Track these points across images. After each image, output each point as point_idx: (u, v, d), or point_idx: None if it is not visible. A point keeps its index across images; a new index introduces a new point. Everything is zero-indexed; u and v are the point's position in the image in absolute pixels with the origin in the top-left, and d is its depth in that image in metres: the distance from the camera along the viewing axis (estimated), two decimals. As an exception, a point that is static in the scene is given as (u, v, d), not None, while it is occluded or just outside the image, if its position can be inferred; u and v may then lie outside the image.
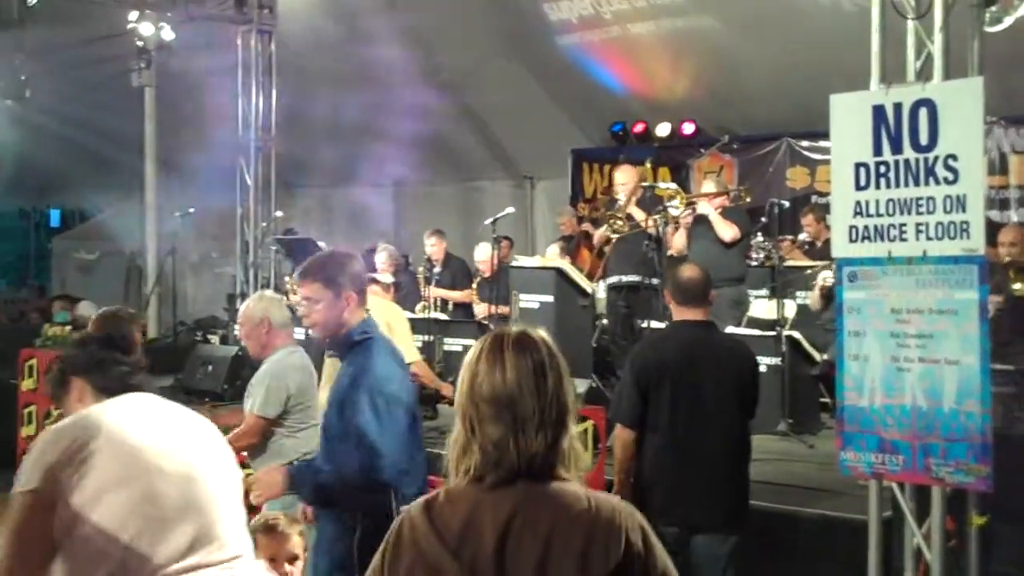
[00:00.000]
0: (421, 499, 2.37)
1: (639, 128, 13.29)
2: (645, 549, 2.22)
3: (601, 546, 2.18)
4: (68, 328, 11.07)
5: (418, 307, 10.26)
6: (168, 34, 11.96)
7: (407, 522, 2.31)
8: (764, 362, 7.33)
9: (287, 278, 11.60)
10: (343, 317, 4.16)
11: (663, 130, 13.02)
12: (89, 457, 2.59)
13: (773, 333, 8.31)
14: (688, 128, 12.92)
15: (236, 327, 7.57)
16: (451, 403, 8.26)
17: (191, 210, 11.47)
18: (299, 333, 7.32)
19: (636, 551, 2.20)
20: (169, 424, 2.84)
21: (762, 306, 9.36)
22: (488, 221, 9.38)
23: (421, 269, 10.88)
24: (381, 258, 10.41)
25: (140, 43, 11.90)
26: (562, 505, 2.23)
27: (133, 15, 11.87)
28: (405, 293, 10.08)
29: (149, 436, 2.73)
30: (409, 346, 7.19)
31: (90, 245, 18.49)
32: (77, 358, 3.13)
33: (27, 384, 10.41)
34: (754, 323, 8.95)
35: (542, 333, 2.39)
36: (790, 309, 8.96)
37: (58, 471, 2.59)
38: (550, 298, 8.70)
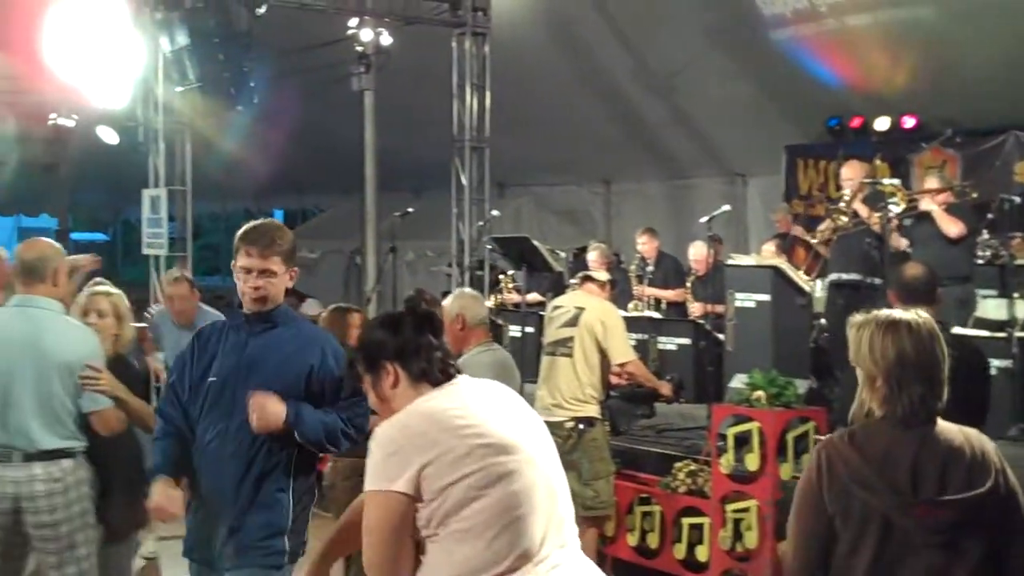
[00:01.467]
0: (839, 434, 3.16)
1: (856, 123, 12.91)
2: (1003, 468, 2.99)
3: (979, 464, 2.96)
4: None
5: (630, 306, 10.28)
6: (386, 39, 12.30)
7: (833, 449, 3.06)
8: (994, 364, 7.06)
9: (501, 276, 11.80)
10: (282, 293, 4.21)
11: (882, 124, 12.62)
12: (447, 452, 2.73)
13: (1003, 334, 7.98)
14: (909, 122, 12.49)
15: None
16: (668, 401, 8.33)
17: (410, 210, 11.76)
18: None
19: (999, 468, 2.98)
20: (507, 412, 2.95)
21: (991, 306, 8.98)
22: (704, 219, 9.30)
23: (633, 267, 10.88)
24: (593, 256, 10.47)
25: (360, 48, 12.27)
26: (949, 438, 3.01)
27: (353, 22, 12.26)
28: (617, 292, 10.11)
29: (494, 426, 2.83)
30: (624, 345, 7.21)
31: (312, 244, 19.14)
32: (390, 343, 3.02)
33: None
34: (982, 324, 8.61)
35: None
36: (1021, 309, 8.58)
37: (417, 468, 2.73)
38: (767, 297, 8.58)
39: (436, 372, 2.96)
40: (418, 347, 2.97)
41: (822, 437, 6.51)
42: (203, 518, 4.12)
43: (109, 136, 13.83)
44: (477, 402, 2.90)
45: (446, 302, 6.03)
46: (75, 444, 4.64)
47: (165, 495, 3.99)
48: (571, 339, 7.07)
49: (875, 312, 3.14)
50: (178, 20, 10.66)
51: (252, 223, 4.23)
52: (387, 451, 2.79)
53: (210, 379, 4.09)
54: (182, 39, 10.64)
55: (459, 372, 3.04)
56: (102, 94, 10.86)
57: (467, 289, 7.44)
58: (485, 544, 2.72)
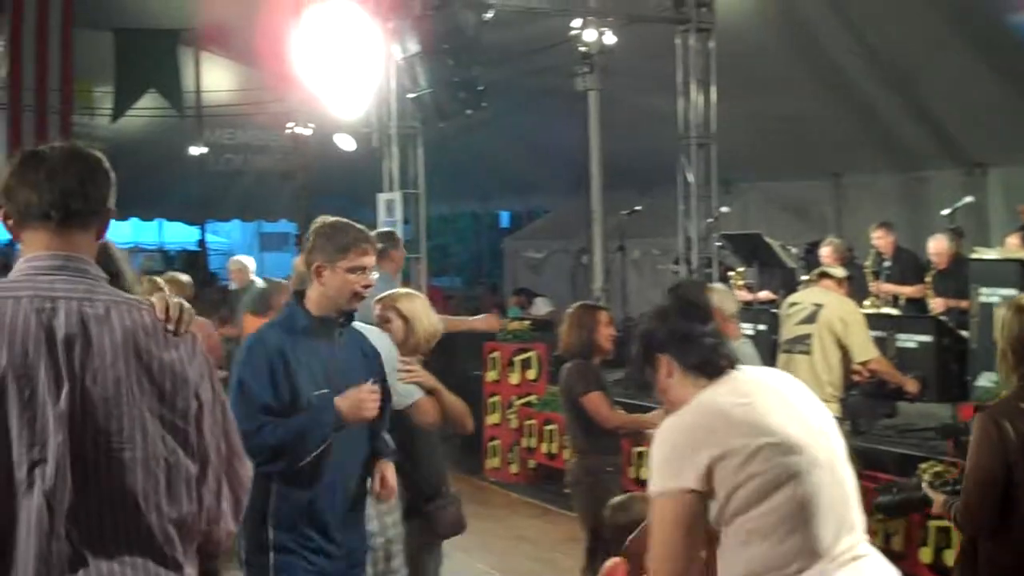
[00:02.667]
0: (995, 407, 3.78)
1: (1108, 106, 12.20)
2: None
3: None
4: (526, 323, 11.71)
5: (866, 302, 9.98)
6: (610, 39, 12.31)
7: (992, 422, 3.63)
8: None
9: (731, 273, 11.66)
10: None
11: None
12: (735, 452, 2.69)
13: None
14: None
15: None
16: (912, 400, 8.07)
17: (637, 208, 11.76)
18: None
19: None
20: (793, 406, 2.89)
21: None
22: (946, 211, 8.97)
23: (869, 263, 10.56)
24: (826, 251, 10.23)
25: (583, 49, 12.33)
26: None
27: (576, 22, 12.33)
28: (853, 288, 9.85)
29: (781, 422, 2.77)
30: (867, 342, 7.03)
31: (538, 244, 19.35)
32: (658, 334, 2.98)
33: (491, 375, 11.14)
34: None
35: None
36: None
37: (706, 464, 2.69)
38: (1013, 292, 8.20)
39: (711, 362, 2.90)
40: (687, 336, 2.92)
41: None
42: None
43: (347, 143, 14.34)
44: (762, 396, 2.84)
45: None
46: None
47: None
48: (809, 336, 6.95)
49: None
50: (408, 28, 10.97)
51: (339, 221, 4.26)
52: (674, 447, 2.75)
53: (320, 391, 4.02)
54: (412, 46, 10.95)
55: (735, 362, 2.97)
56: (341, 103, 11.26)
57: (717, 284, 7.37)
58: (772, 545, 2.67)
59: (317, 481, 4.00)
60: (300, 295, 4.23)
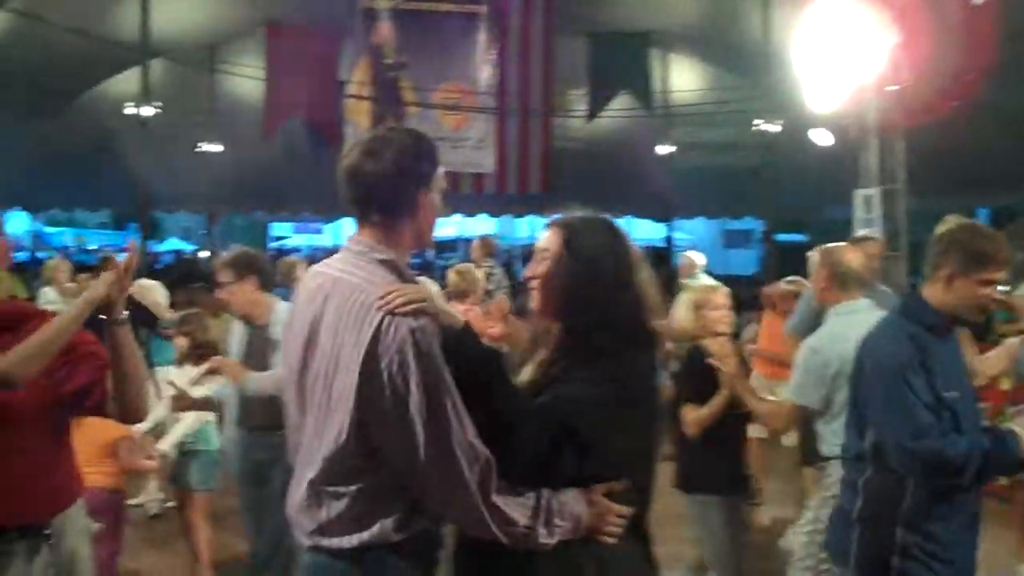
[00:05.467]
0: None
1: None
2: None
3: None
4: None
5: None
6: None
7: None
8: None
9: None
10: None
11: None
12: None
13: None
14: None
15: None
16: None
17: None
18: None
19: None
20: None
21: None
22: None
23: None
24: None
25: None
26: None
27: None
28: None
29: None
30: None
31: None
32: None
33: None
34: None
35: None
36: None
37: None
38: None
39: None
40: None
41: None
42: None
43: (823, 138, 14.06)
44: None
45: None
46: None
47: None
48: None
49: None
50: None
51: (979, 226, 4.02)
52: None
53: (951, 393, 3.77)
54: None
55: None
56: (820, 97, 11.02)
57: None
58: None
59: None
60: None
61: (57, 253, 22.72)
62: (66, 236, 38.54)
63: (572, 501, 2.85)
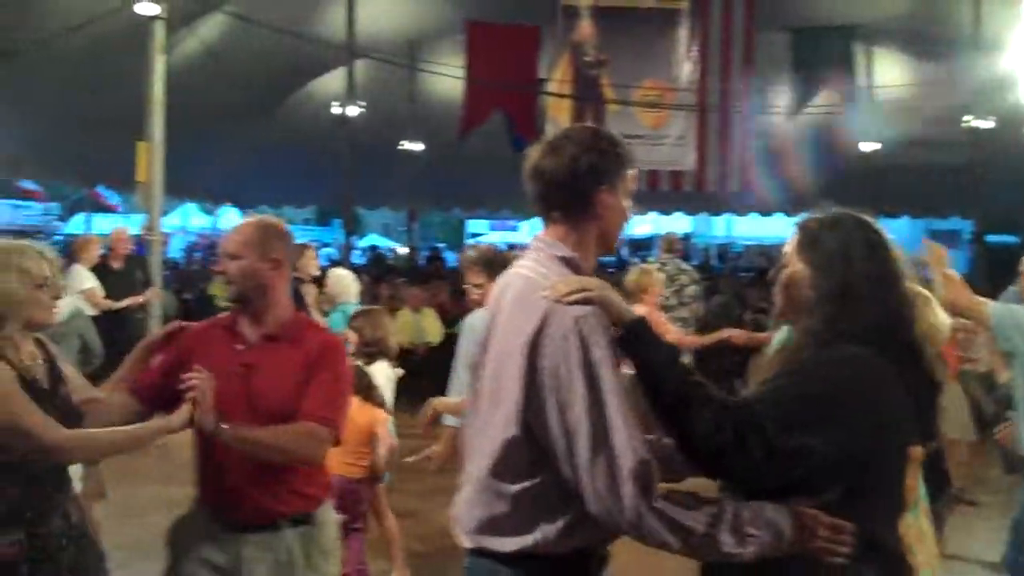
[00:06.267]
0: None
1: None
2: None
3: None
4: None
5: None
6: None
7: None
8: None
9: None
10: None
11: None
12: None
13: None
14: None
15: None
16: None
17: None
18: None
19: None
20: None
21: None
22: None
23: None
24: None
25: None
26: None
27: None
28: None
29: None
30: None
31: None
32: None
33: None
34: None
35: None
36: None
37: None
38: None
39: None
40: None
41: None
42: None
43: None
44: None
45: None
46: None
47: None
48: None
49: None
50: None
51: None
52: None
53: None
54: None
55: None
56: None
57: None
58: None
59: None
60: None
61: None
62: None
63: (770, 509, 2.62)
